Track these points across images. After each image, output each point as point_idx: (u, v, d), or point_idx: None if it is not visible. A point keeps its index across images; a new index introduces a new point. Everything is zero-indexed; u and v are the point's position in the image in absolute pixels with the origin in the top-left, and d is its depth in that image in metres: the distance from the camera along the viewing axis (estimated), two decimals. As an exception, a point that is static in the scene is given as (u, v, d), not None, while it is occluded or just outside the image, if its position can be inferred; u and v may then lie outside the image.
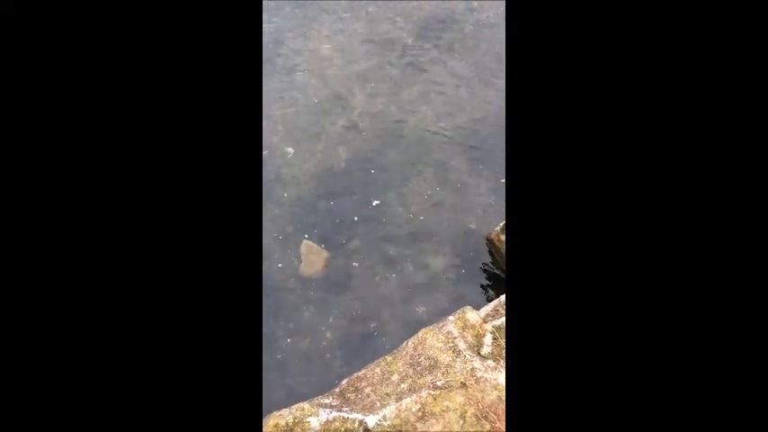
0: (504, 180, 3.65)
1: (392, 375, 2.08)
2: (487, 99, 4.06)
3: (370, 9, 4.60)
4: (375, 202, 3.52)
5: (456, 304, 3.07)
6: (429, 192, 3.58)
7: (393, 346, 2.29)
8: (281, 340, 2.98)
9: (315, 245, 3.36)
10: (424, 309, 3.14)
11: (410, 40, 4.38)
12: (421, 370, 2.09)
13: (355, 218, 3.46)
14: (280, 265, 3.27)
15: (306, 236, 3.39)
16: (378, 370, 2.10)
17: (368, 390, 2.02)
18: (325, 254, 3.34)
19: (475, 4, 4.59)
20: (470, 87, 4.13)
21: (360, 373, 2.10)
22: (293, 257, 3.32)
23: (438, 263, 3.31)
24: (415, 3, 4.64)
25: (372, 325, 3.07)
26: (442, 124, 3.91)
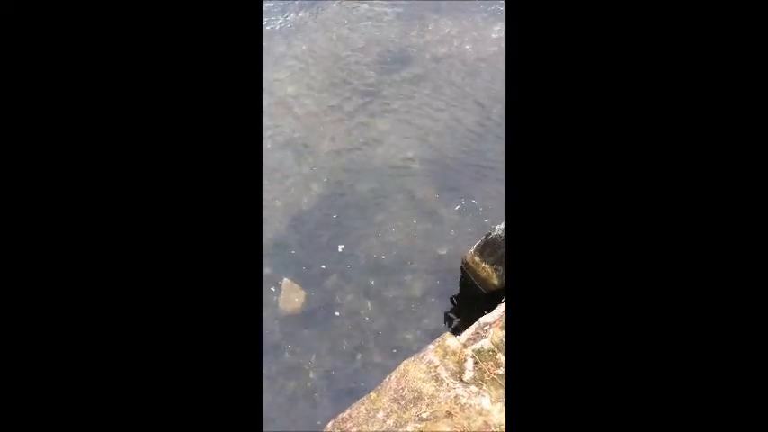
0: (467, 201, 3.76)
1: (377, 412, 2.08)
2: (450, 127, 4.22)
3: (330, 47, 4.76)
4: (349, 236, 3.56)
5: (436, 330, 3.10)
6: (402, 221, 3.65)
7: (380, 377, 2.29)
8: (266, 382, 2.93)
9: (294, 283, 3.36)
10: (408, 337, 3.16)
11: (371, 77, 4.54)
12: (405, 403, 2.09)
13: (331, 252, 3.48)
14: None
15: (284, 275, 3.38)
16: (362, 408, 2.09)
17: (354, 430, 2.01)
18: (303, 292, 3.34)
19: (429, 39, 4.81)
20: (432, 118, 4.29)
21: (344, 414, 2.08)
22: (272, 297, 3.29)
23: (416, 290, 3.35)
24: (373, 40, 4.83)
25: (357, 357, 3.06)
26: (409, 155, 4.03)
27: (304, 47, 4.74)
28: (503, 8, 5.00)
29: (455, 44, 4.72)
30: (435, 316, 3.26)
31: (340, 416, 2.09)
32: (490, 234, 3.20)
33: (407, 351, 2.89)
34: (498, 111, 4.31)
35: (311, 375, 2.99)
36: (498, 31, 4.87)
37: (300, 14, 5.02)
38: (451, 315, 3.27)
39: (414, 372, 2.21)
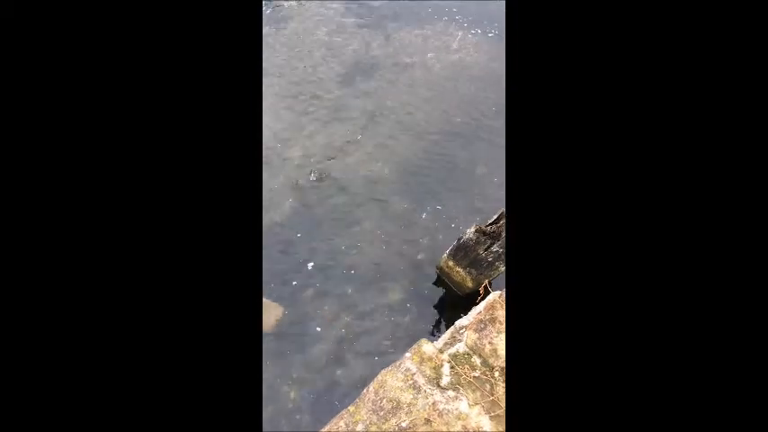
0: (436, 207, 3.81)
1: (356, 426, 2.06)
2: (417, 135, 4.28)
3: (294, 61, 4.77)
4: (322, 248, 3.55)
5: (415, 337, 3.11)
6: (377, 230, 3.66)
7: (362, 389, 2.27)
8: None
9: (267, 300, 3.31)
10: (386, 342, 3.15)
11: (336, 89, 4.57)
12: (384, 414, 2.09)
13: (305, 266, 3.46)
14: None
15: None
16: (341, 423, 2.07)
17: (333, 446, 1.99)
18: (279, 308, 3.29)
19: (391, 50, 4.89)
20: (399, 126, 4.34)
21: (324, 430, 2.06)
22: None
23: (393, 299, 3.36)
24: (338, 52, 4.87)
25: (338, 372, 3.03)
26: (377, 165, 4.06)
27: (268, 61, 4.73)
28: (460, 17, 5.14)
29: (418, 54, 4.81)
30: (413, 322, 3.27)
31: (319, 432, 2.07)
32: (462, 238, 3.25)
33: (388, 360, 2.88)
34: (463, 117, 4.41)
35: (291, 395, 2.94)
36: (459, 39, 5.00)
37: (263, 29, 5.02)
38: (429, 320, 3.29)
39: (391, 381, 2.21)
